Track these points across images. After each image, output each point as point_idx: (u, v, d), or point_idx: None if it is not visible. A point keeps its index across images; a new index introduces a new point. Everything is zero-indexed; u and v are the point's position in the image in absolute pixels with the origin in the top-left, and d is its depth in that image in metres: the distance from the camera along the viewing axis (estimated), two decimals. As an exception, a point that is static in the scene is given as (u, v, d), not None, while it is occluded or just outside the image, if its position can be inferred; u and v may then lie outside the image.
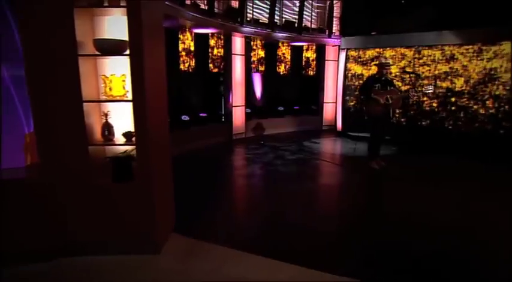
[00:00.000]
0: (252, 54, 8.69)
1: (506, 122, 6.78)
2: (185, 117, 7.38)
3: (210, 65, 7.79)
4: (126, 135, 2.82)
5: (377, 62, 5.82)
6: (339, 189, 5.06)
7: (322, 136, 9.17)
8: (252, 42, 8.63)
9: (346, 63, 8.73)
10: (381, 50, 8.20)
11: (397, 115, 7.85)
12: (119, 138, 2.89)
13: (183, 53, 7.02)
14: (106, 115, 2.83)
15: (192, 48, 7.18)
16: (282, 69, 9.27)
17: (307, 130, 9.66)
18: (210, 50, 7.72)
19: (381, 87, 5.58)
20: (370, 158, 5.94)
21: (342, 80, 8.82)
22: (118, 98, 2.79)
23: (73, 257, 2.81)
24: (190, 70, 7.21)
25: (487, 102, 7.12)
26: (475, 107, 7.29)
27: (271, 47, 9.05)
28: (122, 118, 2.94)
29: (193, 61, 7.26)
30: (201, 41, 7.60)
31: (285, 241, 3.21)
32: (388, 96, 5.53)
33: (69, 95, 2.59)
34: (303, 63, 9.57)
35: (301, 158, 6.63)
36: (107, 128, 2.83)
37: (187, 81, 7.42)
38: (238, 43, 8.22)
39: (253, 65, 8.82)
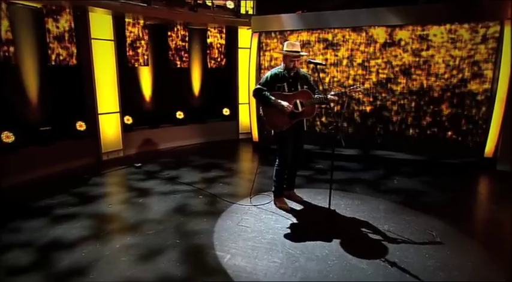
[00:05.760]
0: (131, 41, 6.20)
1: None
2: (8, 135, 4.81)
3: (54, 56, 5.24)
4: None
5: (282, 50, 3.60)
6: None
7: (233, 149, 6.96)
8: (129, 24, 6.13)
9: (259, 51, 6.49)
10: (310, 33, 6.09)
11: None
12: None
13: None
14: None
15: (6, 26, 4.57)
16: (178, 60, 6.84)
17: (219, 141, 7.36)
18: (47, 33, 5.16)
19: (288, 87, 3.57)
20: (275, 193, 3.92)
21: (255, 74, 6.57)
22: None
23: None
24: (12, 62, 4.65)
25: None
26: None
27: (159, 30, 6.58)
28: None
29: (15, 50, 4.68)
30: (33, 17, 5.04)
31: None
32: (298, 101, 3.53)
33: None
34: (208, 52, 7.16)
35: (187, 200, 4.33)
36: None
37: (10, 77, 4.85)
38: (102, 23, 5.70)
39: (135, 56, 6.35)
